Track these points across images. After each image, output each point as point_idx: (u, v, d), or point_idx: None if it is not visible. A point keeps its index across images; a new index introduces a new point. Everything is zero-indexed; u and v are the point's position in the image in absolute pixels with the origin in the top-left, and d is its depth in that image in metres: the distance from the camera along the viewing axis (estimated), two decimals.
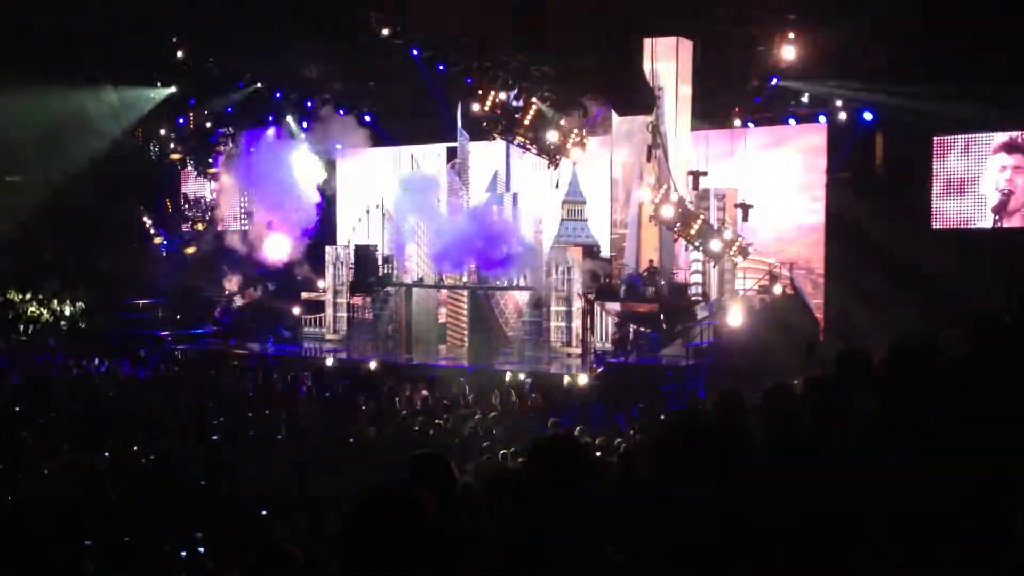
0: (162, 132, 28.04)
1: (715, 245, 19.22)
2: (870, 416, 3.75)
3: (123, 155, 27.32)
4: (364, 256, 24.84)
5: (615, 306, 21.13)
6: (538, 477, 2.90)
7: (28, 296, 21.89)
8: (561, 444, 3.01)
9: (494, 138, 21.69)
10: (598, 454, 9.97)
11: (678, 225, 19.40)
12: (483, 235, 22.43)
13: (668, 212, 19.25)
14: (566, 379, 18.68)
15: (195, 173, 29.29)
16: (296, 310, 25.37)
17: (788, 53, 19.71)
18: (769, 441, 3.98)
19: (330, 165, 26.98)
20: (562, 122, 20.15)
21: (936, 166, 20.44)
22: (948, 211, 20.43)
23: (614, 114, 21.34)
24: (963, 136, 20.21)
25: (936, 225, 20.41)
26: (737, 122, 21.84)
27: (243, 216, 29.12)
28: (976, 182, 20.09)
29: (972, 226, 20.07)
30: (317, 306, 25.64)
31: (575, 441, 3.11)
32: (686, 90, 20.96)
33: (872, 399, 3.83)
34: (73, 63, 23.58)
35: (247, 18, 22.50)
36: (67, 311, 14.72)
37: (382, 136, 26.32)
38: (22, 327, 24.25)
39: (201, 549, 8.43)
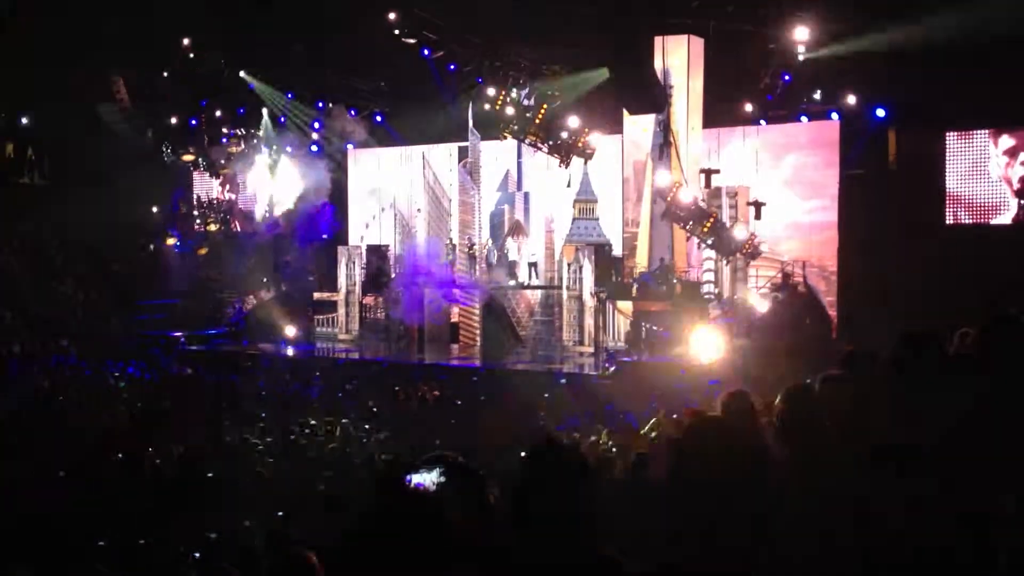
0: (174, 132, 28.11)
1: (727, 243, 19.17)
2: (879, 417, 3.73)
3: (135, 156, 27.40)
4: (376, 256, 24.90)
5: (627, 305, 21.11)
6: (529, 482, 2.90)
7: None
8: (550, 449, 3.00)
9: (505, 137, 21.71)
10: (614, 451, 9.97)
11: (690, 223, 19.35)
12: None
13: (680, 210, 19.20)
14: None
15: (207, 174, 29.36)
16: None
17: (800, 49, 19.62)
18: (791, 443, 3.96)
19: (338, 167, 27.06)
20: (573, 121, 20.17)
21: (950, 161, 20.34)
22: (963, 207, 20.32)
23: (625, 112, 21.31)
24: (977, 131, 20.11)
25: (951, 221, 20.31)
26: (749, 114, 21.72)
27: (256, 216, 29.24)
28: (990, 177, 20.00)
29: (988, 221, 19.98)
30: (330, 306, 25.68)
31: (564, 445, 3.10)
32: (697, 88, 20.90)
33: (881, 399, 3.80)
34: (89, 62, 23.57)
35: (258, 18, 22.56)
36: None
37: (393, 136, 26.38)
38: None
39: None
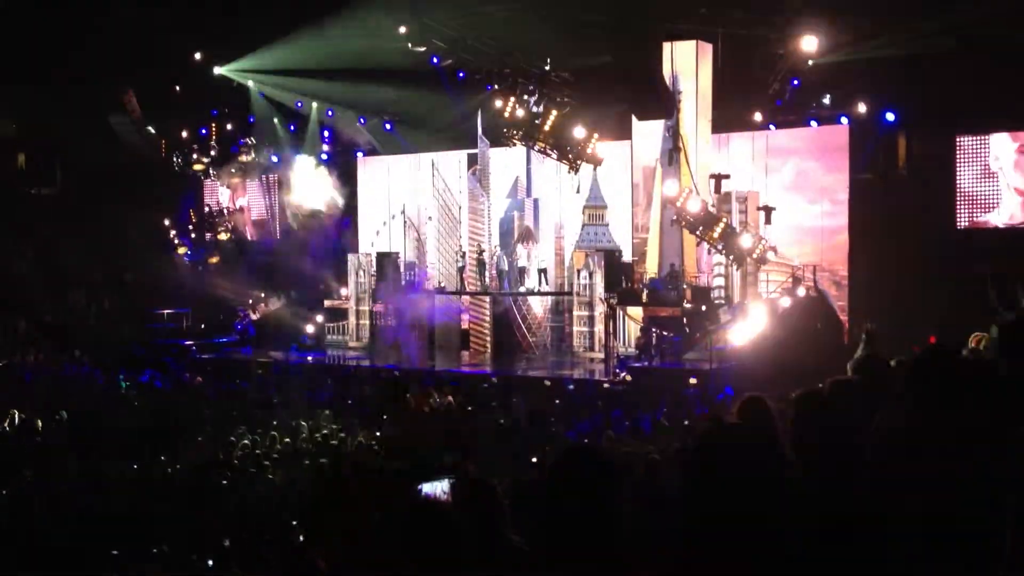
0: (185, 141, 28.24)
1: (738, 248, 19.15)
2: (891, 424, 3.72)
3: (147, 165, 27.54)
4: (386, 263, 24.94)
5: (638, 310, 21.09)
6: (562, 486, 2.90)
7: None
8: (585, 453, 3.00)
9: (514, 144, 21.74)
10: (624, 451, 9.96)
11: (700, 228, 19.34)
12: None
13: (690, 215, 19.19)
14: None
15: (218, 183, 29.48)
16: (319, 318, 25.35)
17: (808, 55, 19.60)
18: (802, 449, 3.95)
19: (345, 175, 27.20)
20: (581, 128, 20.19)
21: (960, 165, 20.29)
22: (974, 210, 20.26)
23: (634, 118, 21.32)
24: (987, 134, 20.06)
25: (961, 224, 20.25)
26: (759, 123, 21.71)
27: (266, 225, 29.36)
28: (999, 180, 19.96)
29: (998, 224, 19.92)
30: (340, 314, 25.72)
31: (600, 450, 3.11)
32: (706, 93, 20.90)
33: (892, 405, 3.80)
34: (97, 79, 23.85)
35: (266, 28, 22.66)
36: None
37: (402, 143, 26.46)
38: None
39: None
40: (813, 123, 21.60)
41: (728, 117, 21.37)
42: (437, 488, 3.32)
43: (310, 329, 24.70)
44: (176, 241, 29.39)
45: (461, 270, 24.72)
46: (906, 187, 20.30)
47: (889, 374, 4.44)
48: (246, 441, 12.86)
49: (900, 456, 3.61)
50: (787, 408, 4.26)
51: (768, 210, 19.81)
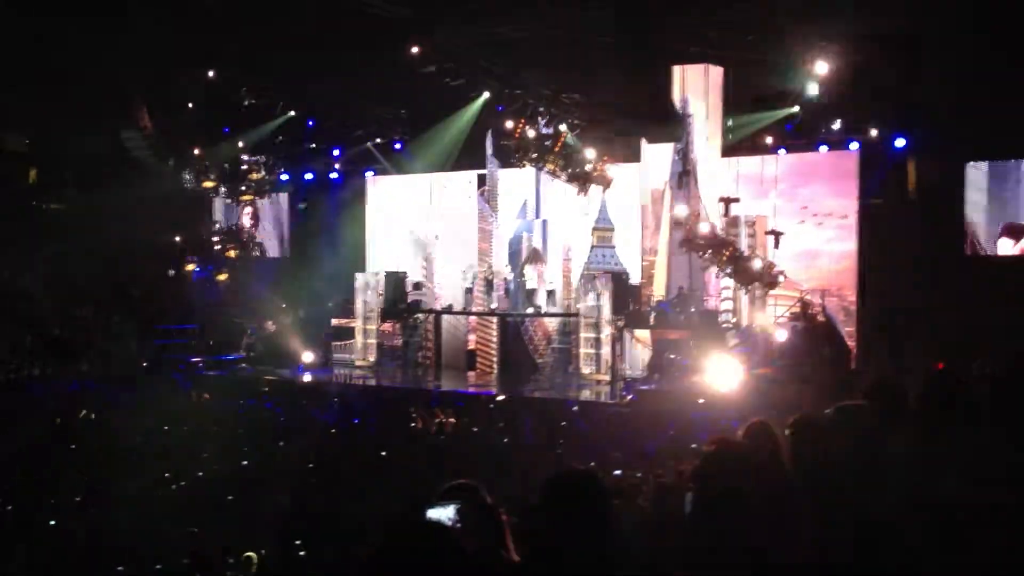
0: (196, 158, 28.32)
1: (746, 272, 19.12)
2: (903, 449, 3.70)
3: (156, 181, 27.62)
4: (394, 283, 24.96)
5: (645, 333, 21.06)
6: (554, 511, 2.89)
7: None
8: (578, 479, 2.99)
9: (523, 166, 21.79)
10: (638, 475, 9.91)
11: (709, 252, 19.33)
12: None
13: (699, 239, 19.20)
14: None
15: (228, 200, 29.55)
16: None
17: (819, 80, 19.65)
18: (800, 473, 3.93)
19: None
20: (591, 149, 20.24)
21: (970, 191, 20.28)
22: (982, 238, 20.23)
23: (644, 141, 21.38)
24: (997, 162, 20.06)
25: (970, 252, 20.22)
26: (768, 143, 21.74)
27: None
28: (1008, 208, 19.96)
29: (1008, 252, 19.88)
30: (347, 332, 25.71)
31: (592, 475, 3.09)
32: (716, 116, 20.95)
33: (905, 432, 3.77)
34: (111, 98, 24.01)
35: (280, 45, 22.76)
36: None
37: (412, 163, 26.55)
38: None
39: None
40: (823, 147, 21.62)
41: (738, 140, 21.41)
42: (443, 513, 3.30)
43: (308, 358, 24.46)
44: (185, 258, 29.42)
45: (469, 290, 24.73)
46: (916, 213, 20.28)
47: (903, 398, 4.41)
48: None
49: (912, 479, 3.58)
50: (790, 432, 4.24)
51: (777, 234, 19.80)
